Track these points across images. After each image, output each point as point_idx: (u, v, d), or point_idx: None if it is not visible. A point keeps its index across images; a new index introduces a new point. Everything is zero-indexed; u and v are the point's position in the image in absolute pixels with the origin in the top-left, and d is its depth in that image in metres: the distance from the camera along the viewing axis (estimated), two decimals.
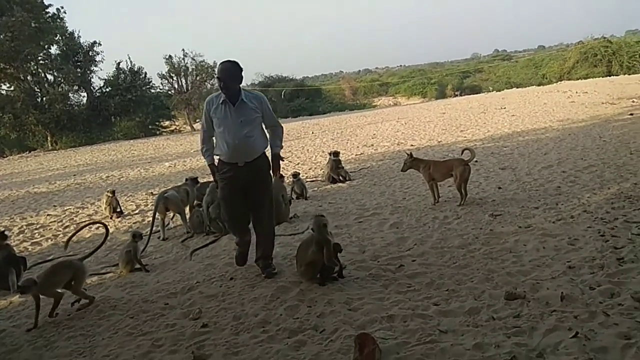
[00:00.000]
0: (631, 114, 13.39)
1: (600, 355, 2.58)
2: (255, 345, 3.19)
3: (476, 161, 8.10)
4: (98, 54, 36.32)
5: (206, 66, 36.97)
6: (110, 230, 7.42)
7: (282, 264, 4.68)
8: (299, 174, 8.38)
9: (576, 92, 23.41)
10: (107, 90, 36.73)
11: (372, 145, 14.22)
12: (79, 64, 35.92)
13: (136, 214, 8.47)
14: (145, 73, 37.76)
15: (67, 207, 9.63)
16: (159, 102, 37.47)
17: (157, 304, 4.14)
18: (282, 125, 4.57)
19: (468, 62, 79.92)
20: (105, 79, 37.12)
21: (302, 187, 8.00)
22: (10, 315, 4.37)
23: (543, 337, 2.82)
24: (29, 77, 34.40)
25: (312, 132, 21.33)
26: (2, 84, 33.06)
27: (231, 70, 4.12)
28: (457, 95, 45.09)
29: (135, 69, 37.18)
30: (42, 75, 35.40)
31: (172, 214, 7.16)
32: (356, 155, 12.48)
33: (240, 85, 4.20)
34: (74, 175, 15.60)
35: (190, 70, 38.20)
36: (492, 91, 40.37)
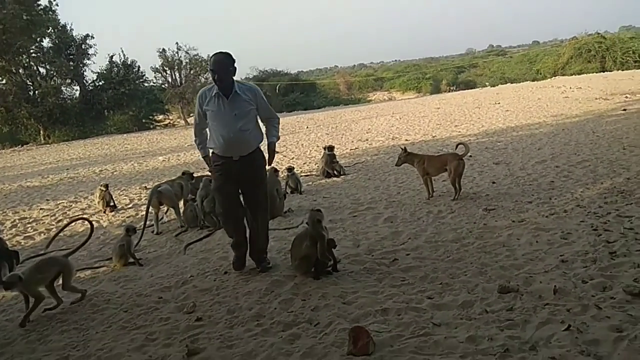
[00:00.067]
0: (624, 110, 13.46)
1: (592, 347, 2.60)
2: (249, 338, 3.20)
3: (470, 156, 8.11)
4: (91, 47, 36.13)
5: (200, 60, 36.75)
6: (104, 225, 7.44)
7: (276, 257, 4.69)
8: (294, 168, 8.38)
9: (570, 88, 23.50)
10: (100, 83, 36.51)
11: (367, 139, 14.22)
12: (72, 57, 35.65)
13: (130, 208, 8.44)
14: (139, 66, 37.61)
15: (60, 201, 9.58)
16: (153, 96, 37.28)
17: (151, 298, 4.13)
18: (278, 116, 4.53)
19: (463, 57, 79.88)
20: (98, 73, 36.94)
21: (297, 181, 8.00)
22: (4, 309, 4.35)
23: (536, 330, 2.84)
24: (20, 71, 34.12)
25: (307, 127, 21.30)
26: None
27: (224, 62, 4.04)
28: (452, 90, 45.12)
29: (129, 63, 37.00)
30: (34, 68, 35.13)
31: (166, 208, 7.14)
32: (351, 149, 12.47)
33: (234, 78, 4.12)
34: (67, 169, 15.51)
35: (184, 63, 37.99)
36: (488, 86, 40.44)
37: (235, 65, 4.10)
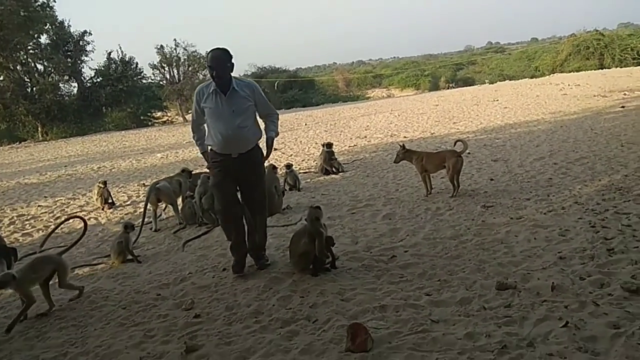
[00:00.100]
0: (622, 107, 13.47)
1: (589, 344, 2.61)
2: (247, 335, 3.20)
3: (469, 153, 8.12)
4: (89, 44, 35.94)
5: (198, 56, 36.66)
6: (102, 222, 7.43)
7: (274, 255, 4.69)
8: (292, 165, 8.37)
9: (568, 85, 23.51)
10: (98, 80, 36.37)
11: (365, 136, 14.22)
12: (69, 53, 35.50)
13: (128, 205, 8.43)
14: (137, 63, 37.46)
15: (58, 198, 9.56)
16: (151, 93, 37.18)
17: (149, 295, 4.13)
18: (277, 112, 4.49)
19: (461, 54, 79.94)
20: (96, 69, 36.78)
21: (295, 178, 7.99)
22: (2, 306, 4.35)
23: (534, 326, 2.84)
24: (18, 67, 33.97)
25: (305, 124, 21.28)
26: None
27: (222, 58, 3.97)
28: (451, 87, 45.09)
29: (127, 59, 36.84)
30: (32, 65, 34.97)
31: (164, 205, 7.13)
32: (349, 146, 12.47)
33: (232, 74, 4.06)
34: (65, 166, 15.47)
35: (182, 60, 37.90)
36: (488, 83, 40.42)
37: (233, 61, 4.04)
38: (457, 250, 4.24)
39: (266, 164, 4.64)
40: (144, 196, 7.59)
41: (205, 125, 4.27)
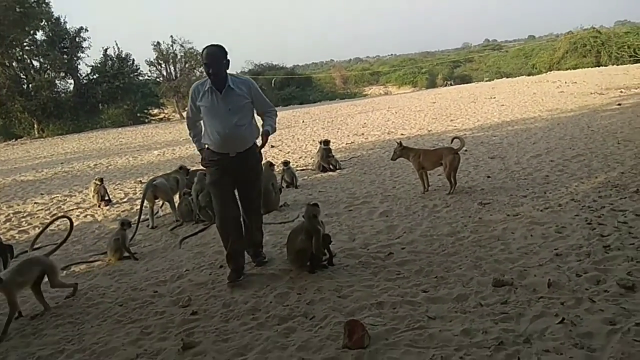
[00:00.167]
0: (619, 104, 13.50)
1: (586, 340, 2.62)
2: (244, 332, 3.20)
3: (466, 150, 8.13)
4: (85, 40, 35.81)
5: (195, 53, 36.43)
6: (99, 219, 7.42)
7: (272, 252, 4.69)
8: (290, 162, 8.37)
9: (565, 82, 23.53)
10: (95, 77, 36.22)
11: (363, 134, 14.21)
12: (66, 50, 35.34)
13: (125, 202, 8.41)
14: (133, 60, 37.33)
15: (55, 195, 9.54)
16: (148, 90, 37.04)
17: (146, 292, 4.13)
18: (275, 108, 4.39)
19: (459, 51, 79.93)
20: (93, 66, 36.59)
21: (293, 175, 7.99)
22: None
23: (530, 323, 2.85)
24: (14, 64, 33.81)
25: (303, 121, 21.26)
26: None
27: (218, 54, 3.88)
28: (449, 85, 45.10)
29: (123, 56, 36.71)
30: (28, 61, 34.81)
31: (161, 202, 7.12)
32: (346, 144, 12.46)
33: (227, 71, 3.98)
34: (61, 163, 15.43)
35: (179, 57, 37.74)
36: (487, 80, 40.43)
37: (229, 57, 3.96)
38: (453, 247, 4.25)
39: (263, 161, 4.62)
40: (140, 193, 7.59)
41: (201, 122, 4.19)
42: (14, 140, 29.82)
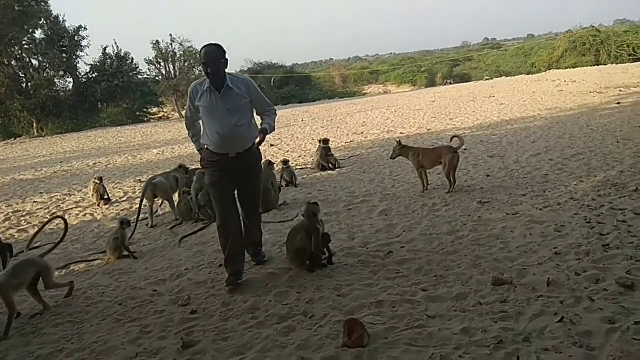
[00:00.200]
0: (618, 103, 13.50)
1: (585, 339, 2.62)
2: (244, 331, 3.20)
3: (465, 149, 8.13)
4: (84, 39, 35.86)
5: (194, 52, 36.45)
6: (98, 218, 7.42)
7: (271, 250, 4.69)
8: (289, 161, 8.37)
9: (565, 81, 23.54)
10: (94, 76, 36.24)
11: (362, 133, 14.21)
12: (65, 48, 35.35)
13: (124, 201, 8.41)
14: (132, 58, 37.40)
15: (54, 194, 9.53)
16: (147, 89, 37.07)
17: (145, 291, 4.12)
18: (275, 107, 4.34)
19: (458, 50, 79.96)
20: (92, 65, 36.67)
21: (292, 174, 7.99)
22: None
23: (529, 321, 2.85)
24: (13, 62, 33.81)
25: (302, 120, 21.26)
26: None
27: (216, 54, 3.82)
28: (449, 84, 45.07)
29: (122, 54, 36.74)
30: (27, 60, 34.83)
31: (160, 201, 7.12)
32: (346, 143, 12.46)
33: (226, 70, 3.93)
34: (61, 162, 15.42)
35: (178, 56, 37.75)
36: (487, 79, 40.40)
37: (227, 57, 3.91)
38: (453, 246, 4.25)
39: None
40: (140, 192, 7.58)
41: (200, 122, 4.13)
42: (13, 139, 29.83)
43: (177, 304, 3.75)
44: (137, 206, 6.69)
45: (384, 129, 14.45)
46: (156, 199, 6.82)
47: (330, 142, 9.35)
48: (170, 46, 37.31)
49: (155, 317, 3.59)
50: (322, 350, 2.83)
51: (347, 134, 14.19)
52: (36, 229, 7.00)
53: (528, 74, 37.99)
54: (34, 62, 35.12)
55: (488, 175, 6.86)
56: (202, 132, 4.12)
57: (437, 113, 17.30)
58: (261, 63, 48.92)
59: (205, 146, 4.08)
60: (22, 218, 7.81)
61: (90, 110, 35.10)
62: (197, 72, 36.51)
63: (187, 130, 4.30)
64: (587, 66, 34.80)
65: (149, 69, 38.07)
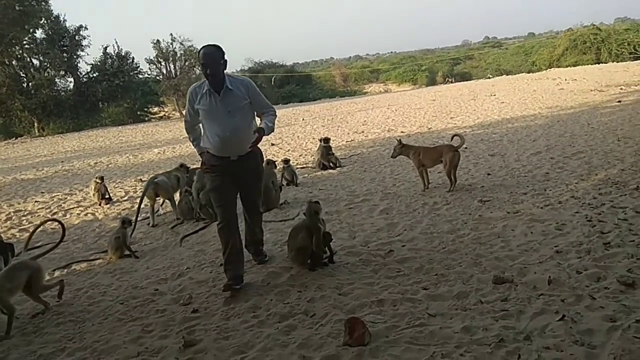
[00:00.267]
0: (619, 101, 13.49)
1: (586, 337, 2.62)
2: (245, 330, 3.21)
3: (466, 147, 8.13)
4: (84, 38, 35.90)
5: (194, 51, 36.46)
6: (99, 217, 7.42)
7: (272, 249, 4.69)
8: (290, 160, 8.37)
9: (565, 80, 23.52)
10: (94, 75, 36.27)
11: (363, 132, 14.21)
12: (65, 48, 35.38)
13: (125, 200, 8.42)
14: (133, 58, 37.42)
15: (55, 194, 9.54)
16: (147, 88, 37.08)
17: (147, 290, 4.13)
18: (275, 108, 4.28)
19: (458, 48, 79.90)
20: (92, 64, 36.70)
21: (293, 173, 8.00)
22: None
23: (530, 320, 2.86)
24: (14, 62, 33.84)
25: (303, 119, 21.25)
26: None
27: (215, 54, 3.76)
28: (450, 82, 45.00)
29: (123, 54, 36.76)
30: (28, 59, 34.87)
31: (161, 200, 7.12)
32: (347, 141, 12.46)
33: (225, 71, 3.87)
34: (62, 161, 15.44)
35: (178, 55, 37.75)
36: (489, 77, 40.32)
37: (226, 57, 3.85)
38: (454, 245, 4.25)
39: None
40: (141, 192, 7.58)
41: (200, 125, 4.07)
42: (14, 138, 29.85)
43: (179, 303, 3.75)
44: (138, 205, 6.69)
45: (384, 128, 14.45)
46: (157, 198, 6.83)
47: (331, 141, 9.36)
48: (170, 45, 37.37)
49: (157, 316, 3.60)
50: (323, 349, 2.84)
51: (348, 133, 14.19)
52: (39, 228, 7.04)
53: (529, 72, 37.96)
54: (35, 61, 35.19)
55: (489, 174, 6.86)
56: (202, 137, 4.04)
57: (437, 112, 17.29)
58: (261, 62, 48.91)
59: (206, 150, 4.00)
60: (24, 217, 7.83)
61: (91, 109, 35.13)
62: (197, 72, 36.47)
63: (187, 135, 4.22)
64: (587, 64, 34.74)
65: (149, 69, 38.15)
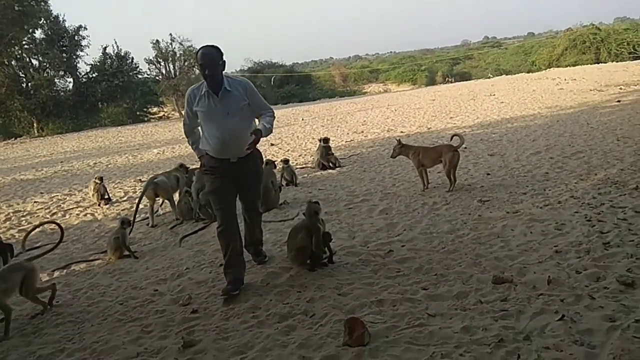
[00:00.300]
0: (618, 101, 13.49)
1: (585, 337, 2.62)
2: (245, 330, 3.21)
3: (465, 147, 8.13)
4: (84, 39, 35.92)
5: (194, 51, 36.44)
6: (99, 217, 7.42)
7: (272, 250, 4.69)
8: (289, 160, 8.37)
9: (565, 79, 23.53)
10: (94, 75, 36.29)
11: (362, 132, 14.21)
12: (65, 48, 35.39)
13: (124, 200, 8.41)
14: (132, 58, 37.46)
15: (54, 194, 9.54)
16: (147, 88, 37.10)
17: (146, 291, 4.13)
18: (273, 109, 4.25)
19: (458, 48, 79.96)
20: (92, 64, 36.75)
21: (292, 173, 7.99)
22: None
23: (530, 320, 2.86)
24: (13, 62, 33.83)
25: (302, 119, 21.25)
26: None
27: (214, 55, 3.71)
28: (450, 82, 44.99)
29: (122, 54, 36.77)
30: (27, 60, 34.87)
31: (161, 201, 7.12)
32: (346, 141, 12.46)
33: (224, 72, 3.83)
34: (61, 162, 15.43)
35: (178, 55, 37.75)
36: (490, 77, 40.31)
37: (225, 58, 3.82)
38: (453, 245, 4.25)
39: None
40: (140, 192, 7.57)
41: (199, 128, 4.04)
42: (13, 139, 29.84)
43: (178, 304, 3.75)
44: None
45: (384, 128, 14.45)
46: (157, 198, 6.82)
47: (331, 141, 9.35)
48: (170, 45, 37.39)
49: (156, 316, 3.60)
50: (323, 349, 2.83)
51: (347, 133, 14.19)
52: (36, 229, 7.03)
53: (528, 72, 37.96)
54: (34, 62, 35.21)
55: (488, 174, 6.86)
56: (201, 139, 4.01)
57: (437, 112, 17.29)
58: (261, 62, 48.95)
59: (205, 152, 3.98)
60: (23, 218, 7.82)
61: (91, 110, 35.13)
62: (196, 72, 36.47)
63: (186, 138, 4.18)
64: (587, 64, 34.75)
65: (149, 69, 38.17)
